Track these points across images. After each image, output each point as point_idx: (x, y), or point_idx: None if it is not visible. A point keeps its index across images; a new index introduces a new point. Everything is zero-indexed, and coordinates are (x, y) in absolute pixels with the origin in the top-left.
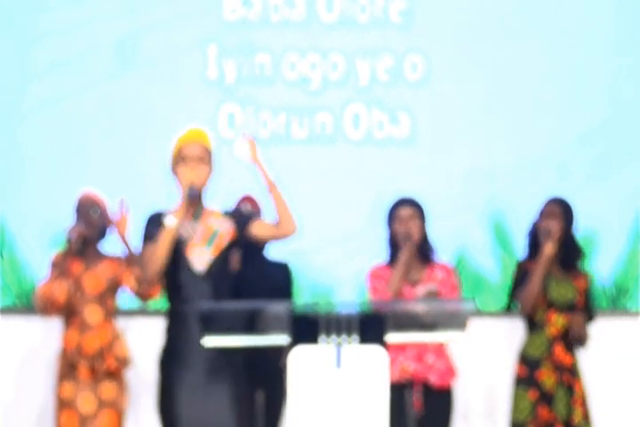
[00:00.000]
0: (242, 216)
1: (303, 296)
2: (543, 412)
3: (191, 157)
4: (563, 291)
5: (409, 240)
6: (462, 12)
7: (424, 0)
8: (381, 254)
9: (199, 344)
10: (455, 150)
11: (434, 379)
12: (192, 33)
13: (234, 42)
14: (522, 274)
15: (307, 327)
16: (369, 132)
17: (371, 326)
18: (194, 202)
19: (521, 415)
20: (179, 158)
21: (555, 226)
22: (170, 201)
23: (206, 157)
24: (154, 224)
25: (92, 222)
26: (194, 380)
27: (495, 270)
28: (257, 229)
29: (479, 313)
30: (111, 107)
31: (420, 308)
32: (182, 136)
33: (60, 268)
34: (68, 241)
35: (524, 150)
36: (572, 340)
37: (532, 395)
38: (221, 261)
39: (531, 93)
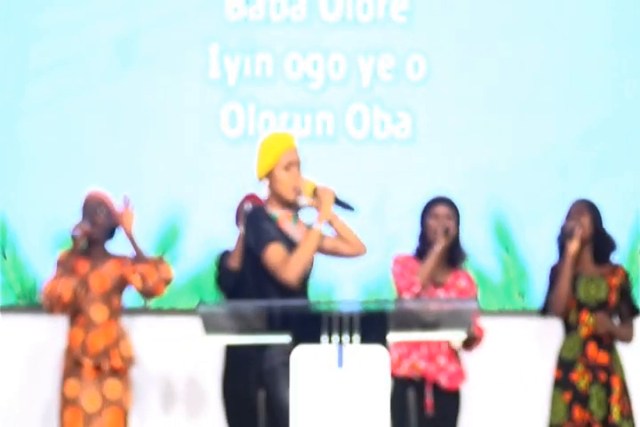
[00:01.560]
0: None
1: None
2: (579, 413)
3: (294, 163)
4: (592, 290)
5: (446, 234)
6: (464, 12)
7: (426, 0)
8: (382, 253)
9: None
10: (456, 150)
11: (444, 381)
12: (194, 32)
13: (236, 41)
14: (554, 278)
15: (308, 326)
16: (370, 132)
17: (372, 325)
18: (295, 207)
19: (557, 418)
20: (282, 164)
21: (578, 224)
22: (171, 200)
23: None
24: (258, 219)
25: (98, 222)
26: None
27: (496, 270)
28: (331, 243)
29: (481, 312)
30: (112, 106)
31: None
32: (282, 142)
33: (65, 266)
34: (73, 239)
35: (524, 150)
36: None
37: (566, 397)
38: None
39: (532, 93)
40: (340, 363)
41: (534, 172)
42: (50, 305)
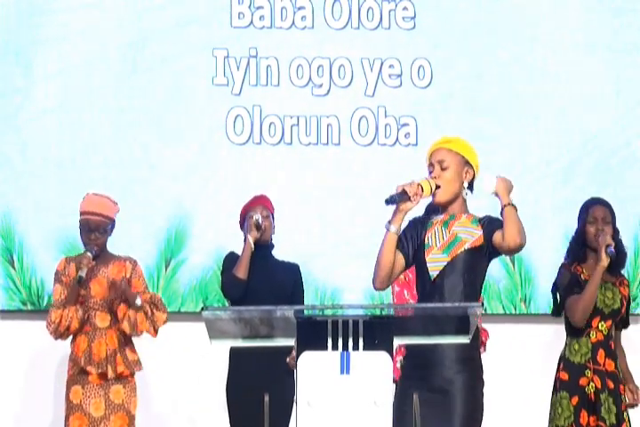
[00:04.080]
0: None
1: (310, 300)
2: (585, 418)
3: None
4: (609, 299)
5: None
6: (468, 18)
7: (430, 5)
8: None
9: None
10: None
11: None
12: (200, 38)
13: (241, 47)
14: (572, 280)
15: (313, 332)
16: (375, 137)
17: (377, 331)
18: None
19: (563, 421)
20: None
21: (607, 234)
22: (178, 204)
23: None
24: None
25: (100, 244)
26: None
27: (500, 275)
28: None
29: (485, 317)
30: (119, 111)
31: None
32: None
33: (65, 275)
34: (80, 280)
35: (528, 155)
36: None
37: (574, 401)
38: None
39: (535, 98)
40: (345, 369)
41: (538, 177)
42: (57, 336)
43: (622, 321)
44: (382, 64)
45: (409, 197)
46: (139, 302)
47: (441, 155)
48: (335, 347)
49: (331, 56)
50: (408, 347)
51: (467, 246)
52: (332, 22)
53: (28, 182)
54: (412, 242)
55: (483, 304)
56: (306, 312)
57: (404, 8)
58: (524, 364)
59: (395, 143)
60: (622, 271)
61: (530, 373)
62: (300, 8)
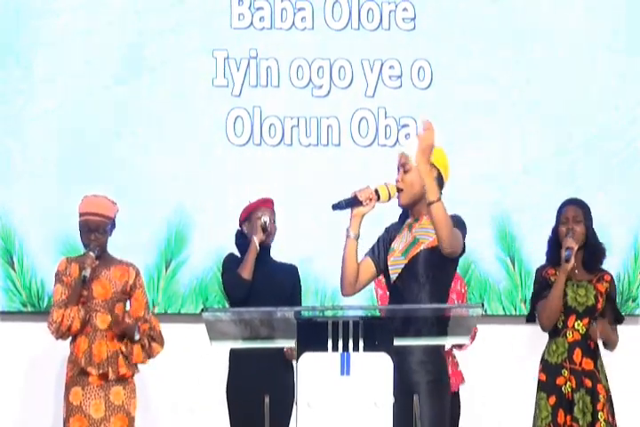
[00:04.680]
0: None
1: (310, 300)
2: (562, 418)
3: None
4: (582, 297)
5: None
6: (468, 19)
7: (430, 6)
8: None
9: None
10: (461, 156)
11: None
12: (200, 39)
13: (241, 48)
14: (542, 284)
15: (313, 333)
16: (375, 138)
17: (377, 332)
18: None
19: (541, 421)
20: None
21: (574, 235)
22: (178, 205)
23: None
24: None
25: (101, 244)
26: None
27: (500, 276)
28: None
29: (485, 318)
30: (119, 112)
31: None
32: None
33: (66, 276)
34: (84, 279)
35: (529, 156)
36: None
37: (551, 401)
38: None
39: (536, 99)
40: (345, 370)
41: (539, 178)
42: (59, 335)
43: (611, 317)
44: (382, 65)
45: (360, 202)
46: (137, 336)
47: (404, 158)
48: (335, 348)
49: (331, 57)
50: None
51: (423, 247)
52: (332, 23)
53: (28, 183)
54: (383, 248)
55: (483, 305)
56: (306, 313)
57: (404, 9)
58: (524, 365)
59: (395, 144)
60: (620, 272)
61: (530, 373)
62: (300, 9)
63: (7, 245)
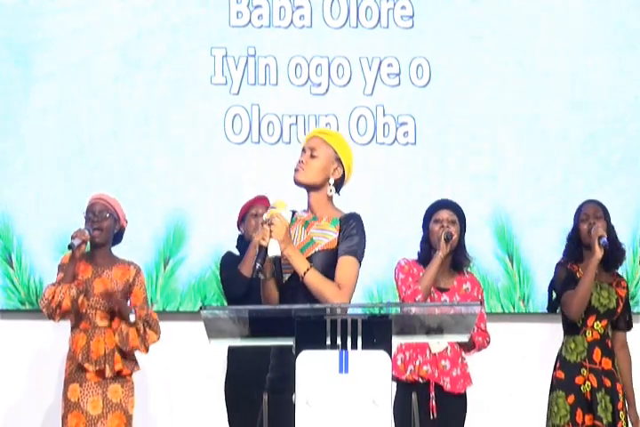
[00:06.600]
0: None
1: None
2: (581, 417)
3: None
4: (605, 298)
5: (447, 242)
6: (467, 17)
7: (429, 4)
8: (386, 257)
9: None
10: (460, 154)
11: (447, 385)
12: (198, 37)
13: (240, 46)
14: (568, 276)
15: (312, 331)
16: (373, 136)
17: (376, 330)
18: None
19: (560, 420)
20: None
21: (600, 228)
22: (176, 204)
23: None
24: None
25: (103, 226)
26: None
27: (499, 274)
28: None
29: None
30: (117, 110)
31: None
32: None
33: (67, 270)
34: (70, 248)
35: (528, 154)
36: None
37: (570, 400)
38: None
39: (535, 97)
40: (344, 368)
41: (537, 176)
42: (49, 312)
43: (624, 323)
44: (381, 63)
45: (265, 248)
46: (132, 318)
47: (314, 143)
48: (334, 346)
49: (329, 55)
50: None
51: (317, 249)
52: (331, 21)
53: (26, 182)
54: None
55: (482, 303)
56: (305, 311)
57: (403, 7)
58: (523, 362)
59: (393, 142)
60: (620, 272)
61: (528, 371)
62: (298, 7)
63: (5, 243)
